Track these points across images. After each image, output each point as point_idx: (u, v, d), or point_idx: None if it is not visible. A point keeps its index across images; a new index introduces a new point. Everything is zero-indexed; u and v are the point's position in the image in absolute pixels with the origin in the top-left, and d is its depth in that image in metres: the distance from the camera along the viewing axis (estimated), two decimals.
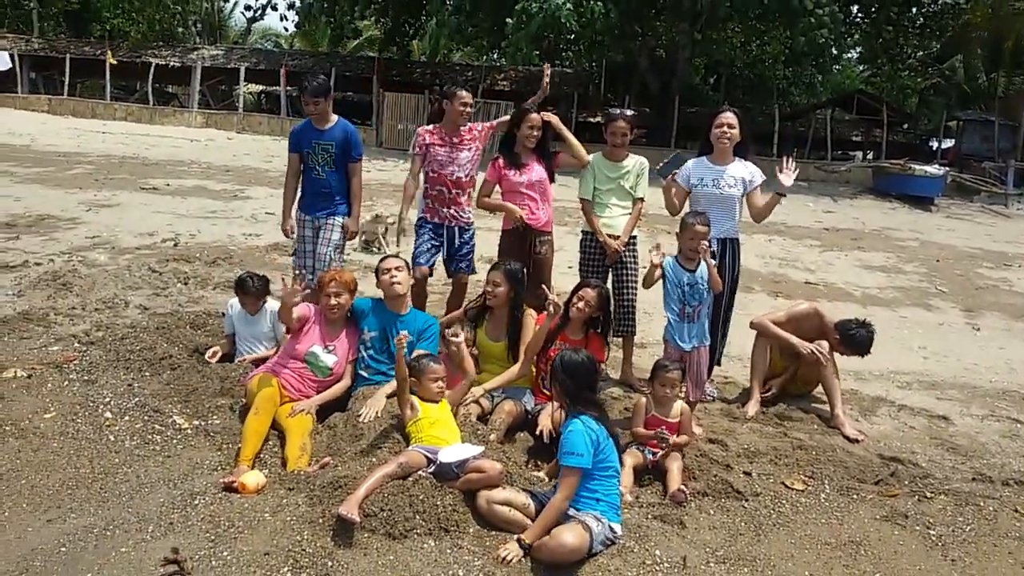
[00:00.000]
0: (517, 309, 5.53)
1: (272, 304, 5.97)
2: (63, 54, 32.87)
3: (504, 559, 3.73)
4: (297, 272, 5.46)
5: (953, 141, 30.29)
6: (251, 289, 5.98)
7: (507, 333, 5.53)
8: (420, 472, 4.22)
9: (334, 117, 6.39)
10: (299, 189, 6.52)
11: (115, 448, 4.62)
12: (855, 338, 5.99)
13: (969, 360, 7.74)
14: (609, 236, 6.24)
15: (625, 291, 6.31)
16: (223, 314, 6.34)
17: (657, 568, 3.82)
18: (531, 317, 5.55)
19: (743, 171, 6.07)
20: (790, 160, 6.01)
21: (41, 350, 5.91)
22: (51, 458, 4.45)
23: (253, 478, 4.25)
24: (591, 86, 33.79)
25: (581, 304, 5.37)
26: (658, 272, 5.51)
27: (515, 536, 3.86)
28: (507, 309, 5.52)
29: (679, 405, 5.01)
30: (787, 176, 5.88)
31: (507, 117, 6.45)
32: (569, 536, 3.77)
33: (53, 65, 33.70)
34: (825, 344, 5.93)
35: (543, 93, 6.46)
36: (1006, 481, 5.01)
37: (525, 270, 6.00)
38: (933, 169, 22.69)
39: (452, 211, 6.39)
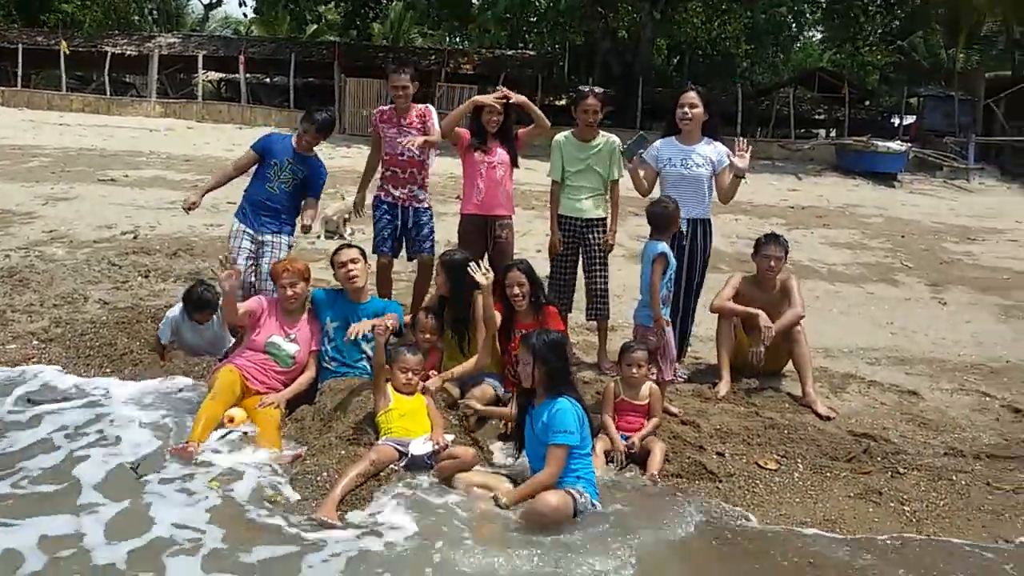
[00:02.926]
0: (456, 299, 5.43)
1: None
2: (15, 44, 32.13)
3: None
4: (224, 257, 5.25)
5: (915, 117, 30.51)
6: (211, 303, 5.68)
7: (451, 323, 5.45)
8: (392, 466, 4.17)
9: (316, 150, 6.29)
10: (243, 197, 6.21)
11: None
12: (772, 235, 6.14)
13: (936, 334, 7.79)
14: (579, 220, 6.20)
15: (596, 275, 6.25)
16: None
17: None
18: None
19: (711, 151, 6.04)
20: (743, 141, 5.95)
21: None
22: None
23: (238, 411, 4.76)
24: (555, 68, 33.67)
25: (516, 290, 5.28)
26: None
27: (491, 495, 3.91)
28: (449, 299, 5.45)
29: (648, 386, 4.98)
30: (741, 159, 5.84)
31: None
32: (552, 496, 3.83)
33: (5, 56, 32.86)
34: (777, 325, 5.87)
35: None
36: (977, 455, 5.04)
37: (486, 254, 5.98)
38: (895, 145, 22.83)
39: (406, 191, 6.33)
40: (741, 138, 6.06)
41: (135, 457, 4.37)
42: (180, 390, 5.22)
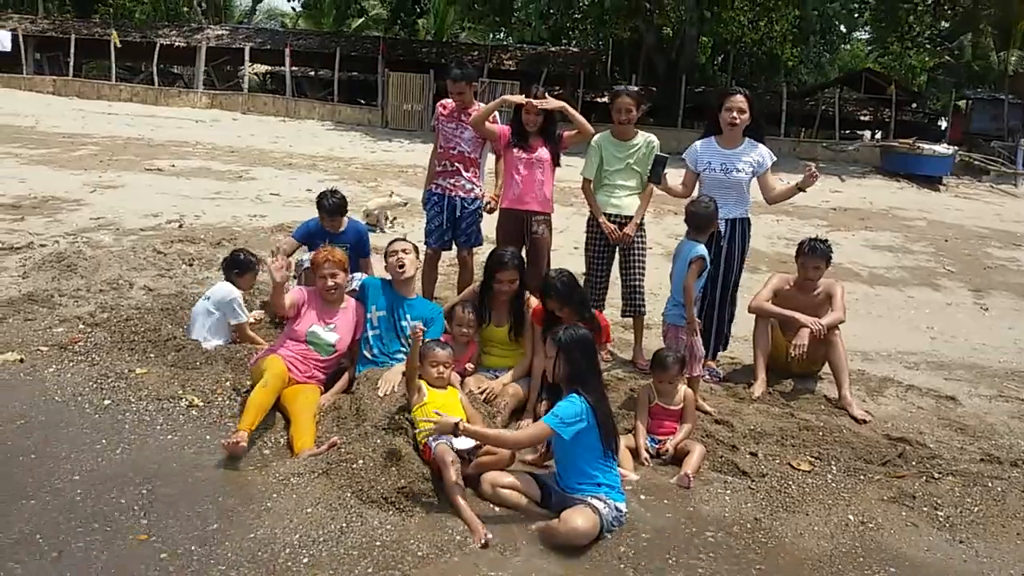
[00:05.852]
0: (519, 296, 5.53)
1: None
2: (68, 34, 32.80)
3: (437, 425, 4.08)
4: (275, 249, 5.47)
5: (954, 119, 30.00)
6: (252, 265, 6.09)
7: (509, 318, 5.53)
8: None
9: (346, 221, 6.66)
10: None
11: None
12: (814, 246, 6.08)
13: (977, 340, 7.70)
14: (618, 218, 6.21)
15: (633, 272, 6.27)
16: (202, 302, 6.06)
17: (665, 546, 3.83)
18: (532, 303, 5.51)
19: (753, 155, 5.97)
20: (812, 167, 5.76)
21: (46, 332, 5.90)
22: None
23: None
24: (597, 65, 33.57)
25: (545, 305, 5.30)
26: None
27: (455, 421, 4.04)
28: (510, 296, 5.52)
29: (682, 391, 5.00)
30: (809, 181, 5.73)
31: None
32: (580, 520, 3.75)
33: (58, 46, 33.59)
34: (825, 320, 5.85)
35: None
36: (1014, 462, 4.99)
37: (523, 249, 6.05)
38: (942, 148, 22.50)
39: (453, 181, 6.43)
40: (810, 164, 5.86)
41: None
42: None
